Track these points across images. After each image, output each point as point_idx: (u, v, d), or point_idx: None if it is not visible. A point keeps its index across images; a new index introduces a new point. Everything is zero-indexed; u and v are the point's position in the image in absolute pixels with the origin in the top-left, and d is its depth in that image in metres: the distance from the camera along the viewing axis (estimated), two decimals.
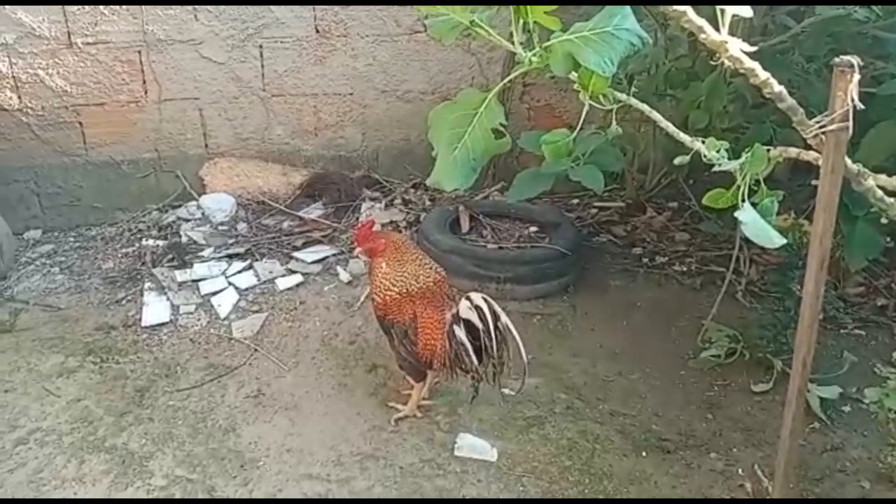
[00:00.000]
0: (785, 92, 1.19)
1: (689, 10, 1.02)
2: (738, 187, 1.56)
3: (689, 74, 2.99)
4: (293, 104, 3.86)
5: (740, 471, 2.31)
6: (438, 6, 1.56)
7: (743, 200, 1.54)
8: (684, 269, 3.49)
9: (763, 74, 1.14)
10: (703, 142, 1.58)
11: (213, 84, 3.72)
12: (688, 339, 2.96)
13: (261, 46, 3.69)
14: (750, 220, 1.50)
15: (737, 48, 1.05)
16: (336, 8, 3.65)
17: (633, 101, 1.68)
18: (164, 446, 2.39)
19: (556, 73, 1.55)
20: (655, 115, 1.65)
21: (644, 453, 2.40)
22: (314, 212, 3.78)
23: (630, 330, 3.07)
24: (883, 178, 1.33)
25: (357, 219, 3.71)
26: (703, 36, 1.03)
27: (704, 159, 1.59)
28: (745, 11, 1.00)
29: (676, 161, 1.62)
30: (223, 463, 2.32)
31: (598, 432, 2.48)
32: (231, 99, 3.78)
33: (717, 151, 1.55)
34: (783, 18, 2.82)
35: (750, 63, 1.10)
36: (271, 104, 3.83)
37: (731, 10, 0.97)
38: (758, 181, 1.57)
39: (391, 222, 3.68)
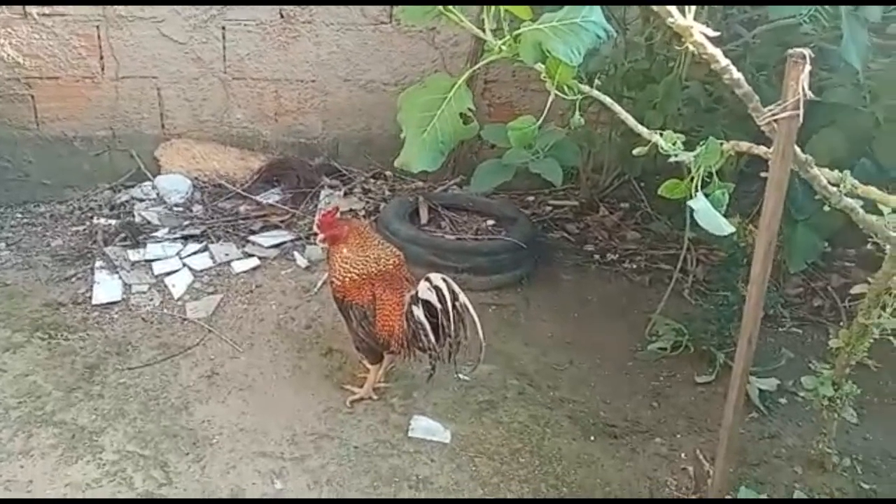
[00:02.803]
0: (742, 79, 1.27)
1: None
2: (692, 178, 1.65)
3: (645, 77, 3.09)
4: (254, 88, 3.83)
5: (683, 455, 2.41)
6: None
7: (696, 190, 1.63)
8: (634, 266, 3.60)
9: (724, 61, 1.22)
10: (661, 134, 1.66)
11: (173, 63, 3.67)
12: (636, 332, 3.06)
13: (223, 28, 3.66)
14: (702, 209, 1.59)
15: (700, 34, 1.12)
16: None
17: (596, 93, 1.74)
18: (115, 422, 2.36)
19: (525, 61, 1.61)
20: (616, 108, 1.72)
21: (592, 438, 2.48)
22: (272, 197, 3.77)
23: (581, 322, 3.15)
24: (826, 171, 1.42)
25: (315, 206, 3.71)
26: (670, 20, 1.09)
27: (661, 151, 1.67)
28: None
29: (635, 151, 1.70)
30: (175, 440, 2.31)
31: (549, 417, 2.55)
32: (191, 80, 3.73)
33: (673, 144, 1.63)
34: (736, 27, 2.95)
35: (712, 49, 1.17)
36: (232, 87, 3.80)
37: None
38: (710, 174, 1.66)
39: (350, 210, 3.70)
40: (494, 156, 2.83)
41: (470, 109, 1.74)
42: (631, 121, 1.71)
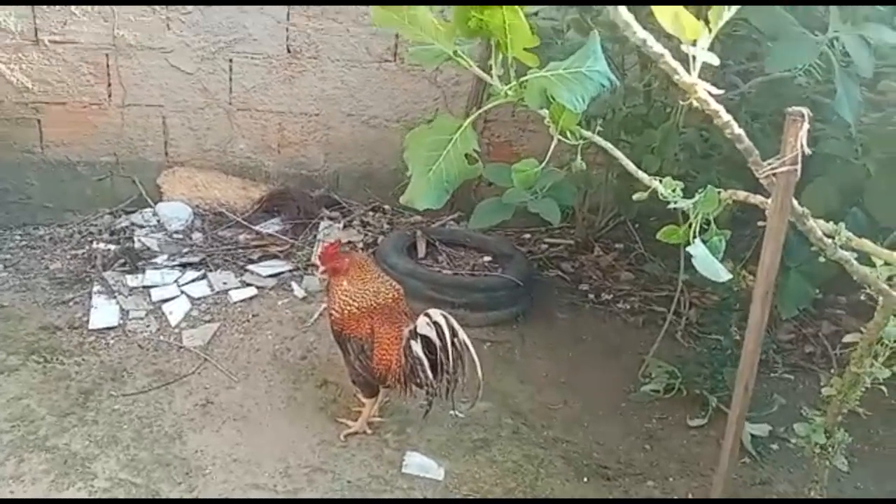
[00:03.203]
0: (744, 134, 1.31)
1: (667, 53, 1.13)
2: (690, 225, 1.69)
3: (643, 122, 3.16)
4: (258, 119, 3.89)
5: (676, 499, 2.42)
6: (425, 34, 1.65)
7: (694, 237, 1.66)
8: (628, 307, 3.62)
9: (726, 116, 1.26)
10: (661, 181, 1.70)
11: (180, 93, 3.73)
12: (629, 373, 3.07)
13: (231, 60, 3.72)
14: (700, 255, 1.62)
15: (705, 91, 1.17)
16: (309, 30, 3.73)
17: (597, 139, 1.79)
18: (108, 449, 2.35)
19: (530, 107, 1.66)
20: (617, 153, 1.76)
21: (585, 479, 2.48)
22: (272, 227, 3.80)
23: (575, 361, 3.17)
24: (821, 222, 1.47)
25: (314, 237, 3.74)
26: (676, 77, 1.14)
27: (661, 197, 1.71)
28: (713, 59, 1.12)
29: (635, 197, 1.74)
30: (168, 469, 2.30)
31: (543, 457, 2.55)
32: (196, 109, 3.79)
33: (673, 191, 1.68)
34: (732, 78, 3.03)
35: (715, 105, 1.22)
36: (236, 118, 3.86)
37: (701, 56, 1.09)
38: (708, 221, 1.70)
39: (349, 243, 3.72)
40: (493, 194, 2.88)
41: (475, 150, 1.78)
42: (631, 166, 1.75)
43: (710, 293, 3.72)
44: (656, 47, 1.10)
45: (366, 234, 3.84)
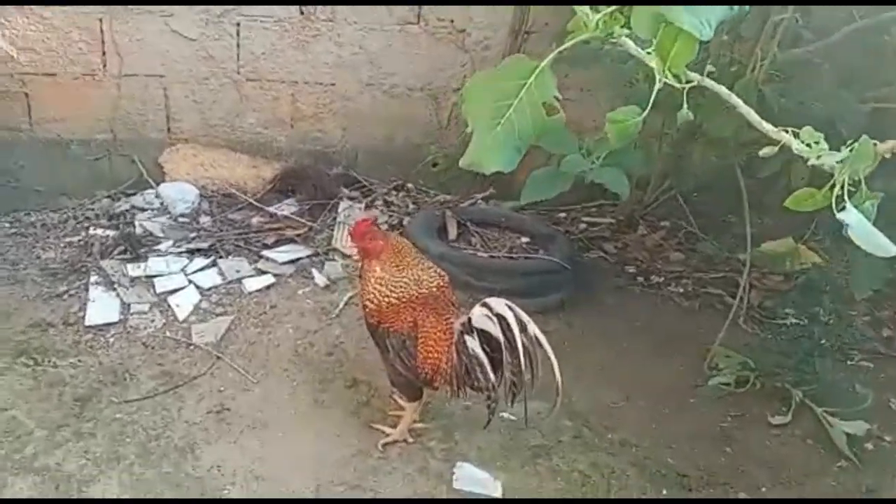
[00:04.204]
0: None
1: None
2: (834, 186, 1.34)
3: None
4: (269, 90, 3.53)
5: None
6: None
7: (843, 201, 1.31)
8: (681, 290, 3.30)
9: None
10: (796, 133, 1.35)
11: (182, 62, 3.37)
12: (692, 363, 2.75)
13: (238, 24, 3.36)
14: (856, 223, 1.28)
15: None
16: None
17: (708, 82, 1.44)
18: (109, 468, 2.04)
19: (638, 35, 1.30)
20: (735, 100, 1.42)
21: (664, 490, 2.16)
22: (287, 208, 3.45)
23: (631, 352, 2.84)
24: None
25: (334, 218, 3.40)
26: None
27: (795, 151, 1.36)
28: None
29: (762, 152, 1.39)
30: (180, 490, 1.99)
31: (612, 465, 2.23)
32: (200, 80, 3.43)
33: (816, 143, 1.32)
34: (801, 31, 2.69)
35: None
36: (245, 89, 3.50)
37: None
38: (857, 182, 1.35)
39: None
40: (532, 166, 2.52)
41: (556, 98, 1.43)
42: (754, 116, 1.40)
43: (771, 273, 3.39)
44: None
45: (390, 215, 3.50)
